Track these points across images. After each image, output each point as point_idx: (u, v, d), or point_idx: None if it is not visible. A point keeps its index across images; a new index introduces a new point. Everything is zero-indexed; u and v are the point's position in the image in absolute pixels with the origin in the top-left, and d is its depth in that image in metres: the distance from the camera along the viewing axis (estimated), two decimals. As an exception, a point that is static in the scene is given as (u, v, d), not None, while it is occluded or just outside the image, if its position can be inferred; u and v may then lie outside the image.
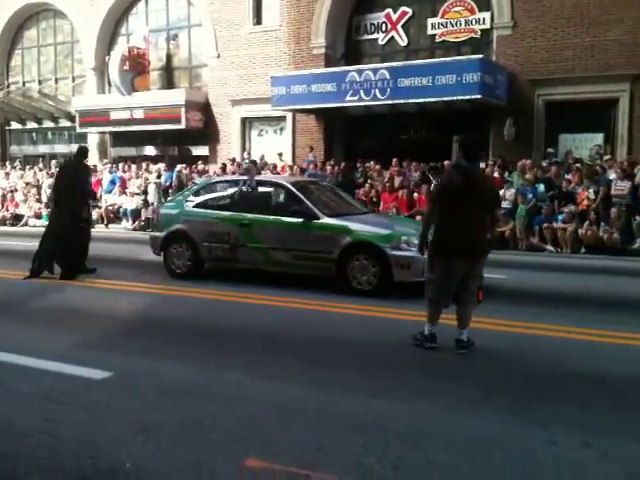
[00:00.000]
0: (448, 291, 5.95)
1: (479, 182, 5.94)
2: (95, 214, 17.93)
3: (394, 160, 16.89)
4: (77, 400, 4.68)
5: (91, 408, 4.54)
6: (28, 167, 25.02)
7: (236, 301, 8.33)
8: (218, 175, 18.65)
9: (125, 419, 4.33)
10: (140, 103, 21.84)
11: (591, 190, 13.73)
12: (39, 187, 22.29)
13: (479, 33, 18.15)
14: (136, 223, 18.96)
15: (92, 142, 24.77)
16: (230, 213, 9.62)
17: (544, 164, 15.47)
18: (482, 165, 14.65)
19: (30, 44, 27.15)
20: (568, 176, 14.49)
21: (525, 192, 14.22)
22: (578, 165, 14.84)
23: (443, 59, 17.09)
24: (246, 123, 21.78)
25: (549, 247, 13.57)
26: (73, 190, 10.29)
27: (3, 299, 8.71)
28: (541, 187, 14.42)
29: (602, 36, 16.21)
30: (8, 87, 26.85)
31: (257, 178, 10.30)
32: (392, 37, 19.45)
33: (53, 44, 26.54)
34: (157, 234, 10.31)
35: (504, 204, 13.76)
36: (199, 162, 20.55)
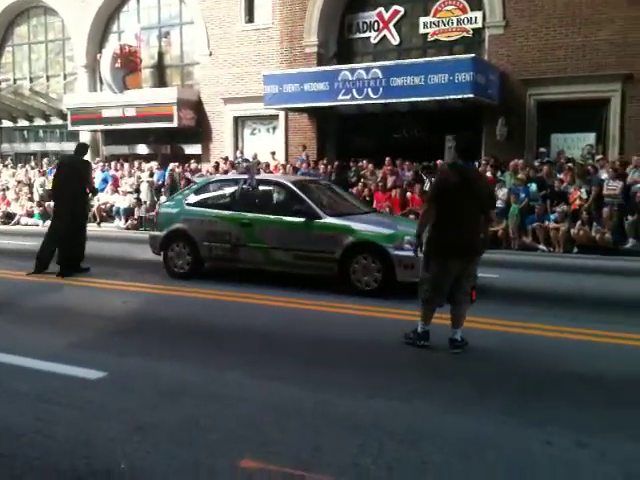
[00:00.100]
0: (442, 290, 5.96)
1: (475, 181, 5.94)
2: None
3: (387, 159, 16.92)
4: (72, 400, 4.67)
5: (86, 408, 4.53)
6: (20, 165, 24.89)
7: (236, 301, 8.29)
8: (211, 174, 18.66)
9: (120, 419, 4.31)
10: (132, 101, 21.76)
11: (583, 190, 13.78)
12: (31, 185, 22.18)
13: (471, 32, 18.20)
14: (128, 222, 18.89)
15: (84, 140, 24.66)
16: (231, 212, 9.54)
17: (536, 164, 15.52)
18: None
19: (21, 41, 27.02)
20: (560, 176, 14.55)
21: (517, 192, 14.26)
22: (570, 165, 14.90)
23: (435, 58, 17.11)
24: (239, 122, 21.75)
25: (542, 247, 13.62)
26: (72, 188, 10.25)
27: (-1, 298, 8.68)
28: (533, 187, 14.46)
29: (593, 36, 16.28)
30: (-1, 84, 26.77)
31: (258, 177, 10.20)
32: (384, 36, 19.47)
33: (44, 41, 26.42)
34: (157, 233, 10.22)
35: (497, 204, 13.78)
36: (192, 161, 20.53)
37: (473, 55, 16.38)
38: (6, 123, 27.03)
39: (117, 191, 20.14)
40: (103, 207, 19.84)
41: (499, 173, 15.37)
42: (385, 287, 8.35)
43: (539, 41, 16.87)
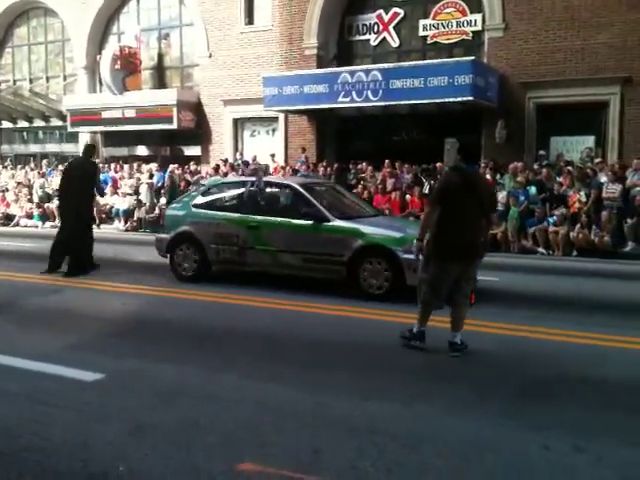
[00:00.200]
0: (440, 292, 5.97)
1: (478, 184, 5.94)
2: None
3: (386, 162, 16.94)
4: (69, 402, 4.66)
5: (83, 410, 4.52)
6: (19, 166, 24.90)
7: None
8: (211, 175, 18.66)
9: (118, 421, 4.31)
10: (132, 103, 21.77)
11: (582, 193, 13.78)
12: (30, 187, 22.17)
13: (470, 35, 18.22)
14: (128, 224, 18.88)
15: (83, 142, 24.62)
16: (238, 215, 9.46)
17: (535, 167, 15.53)
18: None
19: (21, 42, 27.04)
20: (559, 179, 14.54)
21: (517, 194, 14.26)
22: (569, 168, 14.90)
23: (435, 61, 17.13)
24: (238, 124, 21.76)
25: (541, 250, 13.61)
26: (79, 189, 10.35)
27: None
28: (533, 190, 14.46)
29: (592, 39, 16.30)
30: (-1, 86, 26.78)
31: (265, 179, 10.13)
32: (384, 38, 19.49)
33: (44, 42, 26.45)
34: (163, 236, 10.16)
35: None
36: (191, 162, 20.54)
37: (472, 58, 16.42)
38: (6, 124, 27.04)
39: (117, 193, 20.13)
40: (103, 209, 19.82)
41: (498, 176, 15.36)
42: (394, 291, 8.24)
43: (538, 44, 16.89)
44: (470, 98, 15.69)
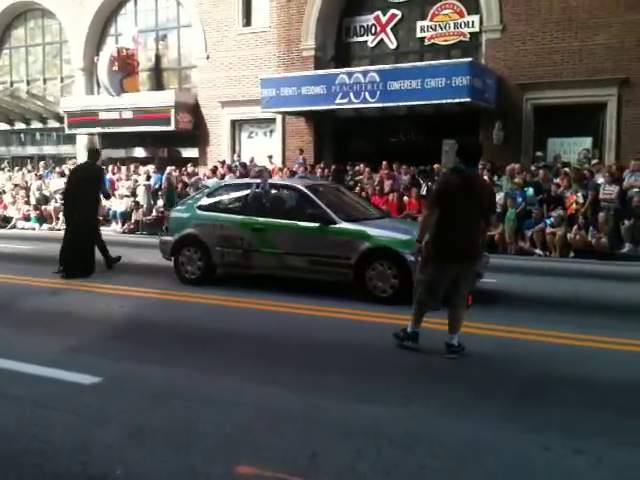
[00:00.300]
0: (437, 294, 5.98)
1: (477, 186, 5.93)
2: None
3: (384, 163, 16.95)
4: (68, 405, 4.66)
5: (82, 413, 4.52)
6: (16, 168, 24.87)
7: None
8: (208, 177, 18.67)
9: (118, 424, 4.31)
10: (129, 104, 21.77)
11: (579, 194, 13.80)
12: (27, 189, 22.14)
13: (468, 36, 18.23)
14: (125, 226, 18.86)
15: (81, 143, 24.69)
16: (243, 217, 9.39)
17: (533, 168, 15.54)
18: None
19: (18, 44, 27.02)
20: (557, 180, 14.57)
21: (514, 196, 14.28)
22: (566, 169, 14.92)
23: (432, 62, 17.13)
24: (236, 125, 21.76)
25: (538, 251, 13.63)
26: (83, 192, 10.44)
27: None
28: (530, 191, 14.48)
29: (590, 40, 16.32)
30: (-4, 87, 26.75)
31: (270, 181, 10.05)
32: (381, 40, 19.51)
33: (41, 44, 26.43)
34: (167, 238, 10.08)
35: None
36: (189, 164, 20.53)
37: (470, 59, 16.43)
38: (3, 126, 26.98)
39: (114, 194, 20.09)
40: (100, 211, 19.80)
41: (496, 177, 15.38)
42: (401, 294, 8.12)
43: (536, 45, 16.91)
44: (467, 99, 15.70)
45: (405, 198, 15.58)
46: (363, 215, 9.67)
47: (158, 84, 23.56)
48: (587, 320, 7.53)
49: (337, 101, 17.25)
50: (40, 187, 21.73)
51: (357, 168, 17.57)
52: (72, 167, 12.32)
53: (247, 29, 21.01)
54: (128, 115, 21.77)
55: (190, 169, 19.94)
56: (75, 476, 3.60)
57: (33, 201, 21.29)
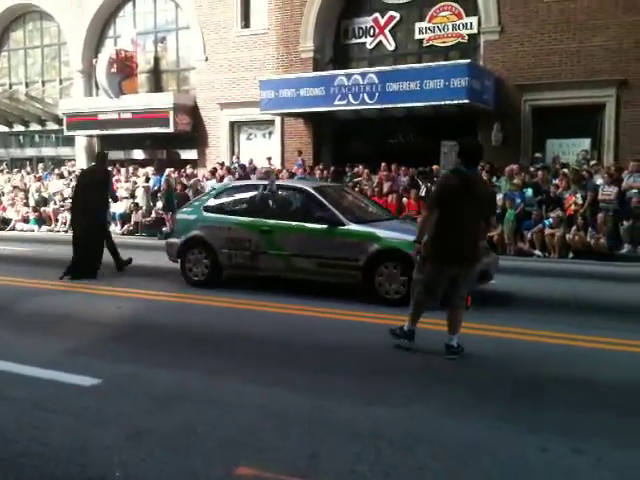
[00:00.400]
0: (435, 294, 5.99)
1: (477, 187, 5.92)
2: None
3: (383, 164, 16.96)
4: (67, 407, 4.65)
5: (81, 415, 4.51)
6: (15, 170, 24.88)
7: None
8: (207, 179, 18.67)
9: (117, 425, 4.30)
10: (128, 106, 21.77)
11: (578, 195, 13.81)
12: (26, 191, 22.16)
13: (466, 38, 18.25)
14: (125, 227, 18.87)
15: (80, 145, 24.71)
16: (250, 219, 9.33)
17: (531, 169, 15.56)
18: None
19: (16, 46, 27.02)
20: (555, 181, 14.58)
21: (513, 197, 14.29)
22: (565, 170, 14.93)
23: (431, 64, 17.15)
24: (235, 127, 21.76)
25: (537, 252, 13.64)
26: (90, 196, 10.52)
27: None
28: (529, 192, 14.49)
29: (588, 42, 16.34)
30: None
31: (277, 182, 9.98)
32: (380, 41, 19.53)
33: (40, 46, 26.43)
34: (174, 240, 10.04)
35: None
36: (188, 166, 20.52)
37: (468, 61, 16.44)
38: (2, 128, 26.99)
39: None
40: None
41: (494, 179, 15.39)
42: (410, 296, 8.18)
43: (534, 47, 16.93)
44: (466, 101, 15.71)
45: (404, 199, 15.59)
46: (371, 216, 9.61)
47: (157, 86, 23.55)
48: (586, 321, 7.53)
49: (336, 103, 17.26)
50: (39, 189, 21.75)
51: (356, 169, 17.57)
52: (80, 171, 12.40)
53: (246, 31, 21.02)
54: (127, 117, 21.76)
55: (189, 171, 19.93)
56: (74, 478, 3.60)
57: (32, 203, 21.32)
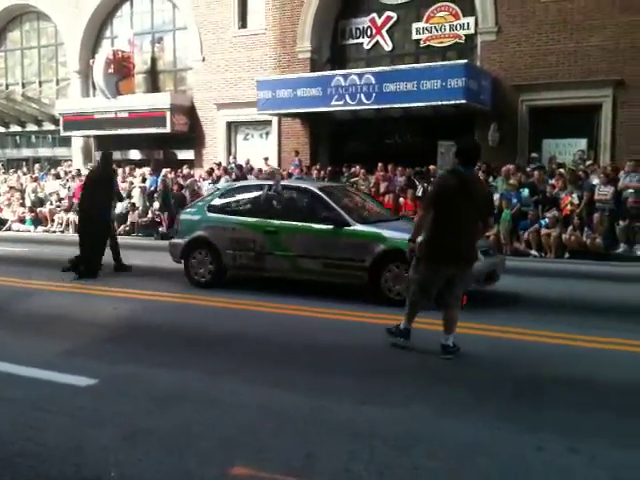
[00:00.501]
0: (430, 293, 6.01)
1: (474, 187, 5.91)
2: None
3: (380, 165, 16.96)
4: (62, 407, 4.64)
5: (77, 415, 4.50)
6: (12, 171, 24.82)
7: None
8: (204, 179, 18.65)
9: (113, 426, 4.30)
10: (125, 106, 21.75)
11: (575, 195, 13.81)
12: (23, 191, 22.11)
13: (463, 38, 18.26)
14: (121, 227, 18.81)
15: (76, 146, 24.68)
16: (255, 219, 9.28)
17: (528, 169, 15.56)
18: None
19: (13, 46, 26.98)
20: (552, 181, 14.58)
21: (509, 197, 14.29)
22: (562, 170, 14.94)
23: (428, 64, 17.17)
24: (232, 127, 21.75)
25: (533, 252, 13.64)
26: (98, 198, 10.64)
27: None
28: (525, 192, 14.48)
29: (585, 42, 16.35)
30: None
31: (282, 183, 9.92)
32: (377, 42, 19.53)
33: (37, 47, 26.39)
34: (177, 241, 9.96)
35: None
36: (185, 166, 20.48)
37: (465, 61, 16.46)
38: (-2, 128, 27.00)
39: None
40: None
41: (491, 179, 15.40)
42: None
43: (531, 47, 16.95)
44: (463, 101, 15.73)
45: (401, 199, 15.60)
46: (377, 217, 9.56)
47: (154, 86, 23.53)
48: (585, 321, 7.53)
49: (333, 103, 17.27)
50: (35, 189, 21.71)
51: (353, 170, 17.55)
52: (87, 171, 12.54)
53: (243, 31, 21.01)
54: (124, 117, 21.73)
55: (186, 171, 19.89)
56: (69, 478, 3.59)
57: (28, 203, 21.28)
